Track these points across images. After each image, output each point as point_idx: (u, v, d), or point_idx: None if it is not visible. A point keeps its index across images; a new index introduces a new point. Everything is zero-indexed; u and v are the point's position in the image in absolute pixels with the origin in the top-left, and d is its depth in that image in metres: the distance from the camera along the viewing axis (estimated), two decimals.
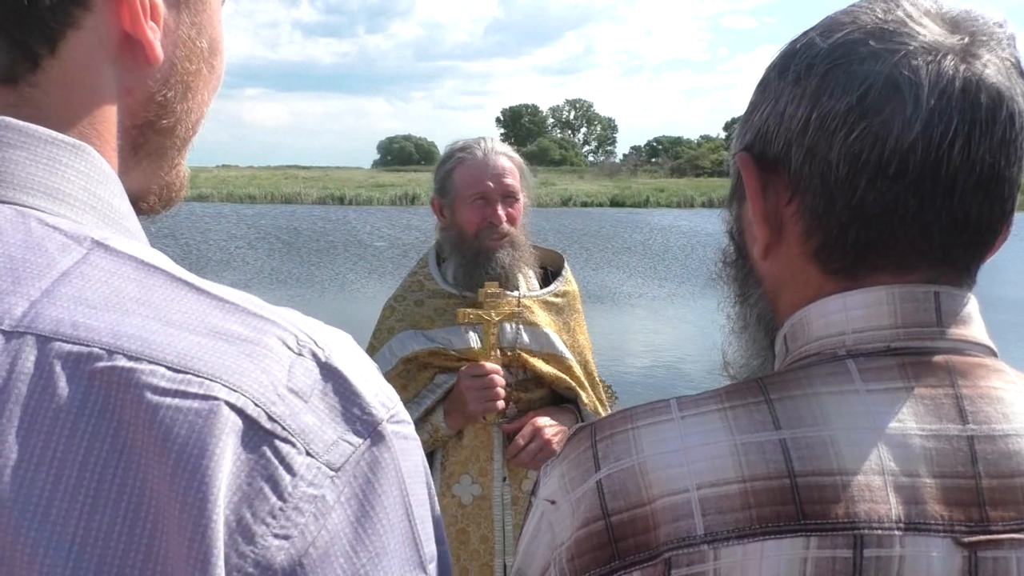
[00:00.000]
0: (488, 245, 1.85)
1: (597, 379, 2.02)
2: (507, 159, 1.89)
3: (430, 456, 1.88)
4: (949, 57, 0.56)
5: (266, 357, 0.42)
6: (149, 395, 0.38)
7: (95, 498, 0.36)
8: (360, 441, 0.43)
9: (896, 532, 0.52)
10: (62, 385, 0.37)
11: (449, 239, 1.91)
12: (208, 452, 0.37)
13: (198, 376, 0.39)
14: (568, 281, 2.02)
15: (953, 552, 0.52)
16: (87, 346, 0.38)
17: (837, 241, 0.60)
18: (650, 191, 54.07)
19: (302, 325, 0.45)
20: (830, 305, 0.61)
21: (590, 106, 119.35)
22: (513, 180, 1.87)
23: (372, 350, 1.90)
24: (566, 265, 2.03)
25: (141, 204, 0.54)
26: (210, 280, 0.46)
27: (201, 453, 0.37)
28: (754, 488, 0.54)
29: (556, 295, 1.98)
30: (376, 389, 0.45)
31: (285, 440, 0.40)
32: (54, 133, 0.44)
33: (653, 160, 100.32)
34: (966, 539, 0.53)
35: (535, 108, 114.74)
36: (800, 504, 0.53)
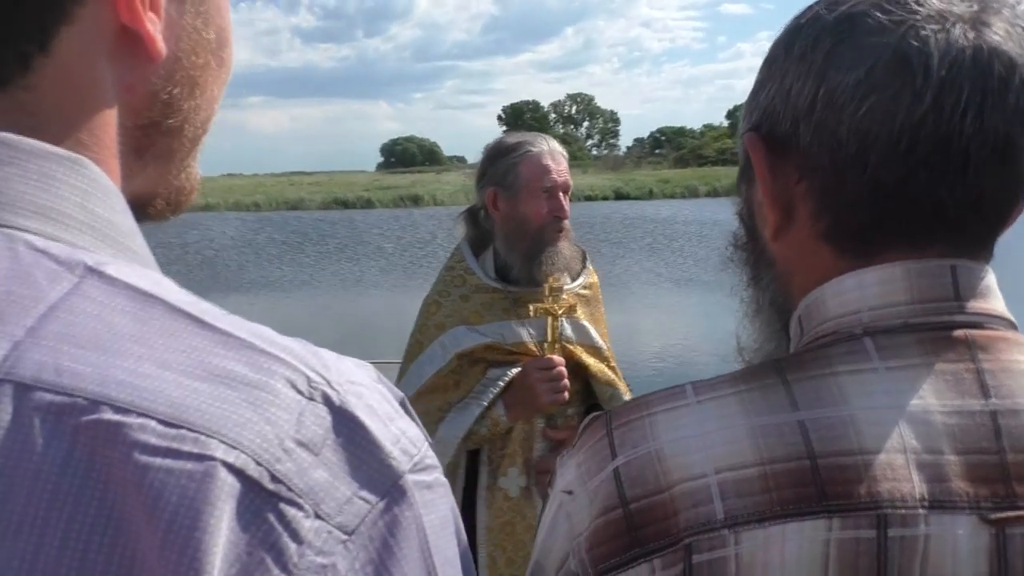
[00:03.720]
0: (551, 237, 1.89)
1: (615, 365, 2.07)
2: (562, 155, 1.94)
3: (476, 451, 1.90)
4: (958, 26, 0.55)
5: (272, 404, 0.37)
6: (137, 454, 0.34)
7: (80, 570, 0.33)
8: (376, 499, 0.38)
9: (920, 511, 0.51)
10: (42, 441, 0.34)
11: (505, 232, 1.91)
12: (201, 522, 0.33)
13: (193, 431, 0.35)
14: (592, 273, 2.07)
15: (980, 530, 0.51)
16: (70, 396, 0.34)
17: (848, 221, 0.59)
18: (654, 182, 53.96)
19: (314, 363, 0.40)
20: (845, 283, 0.60)
21: (591, 100, 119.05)
22: (568, 175, 1.93)
23: (419, 346, 1.92)
24: (588, 257, 2.07)
25: (148, 209, 0.50)
26: (220, 292, 0.42)
27: (193, 524, 0.33)
28: (774, 471, 0.53)
29: (585, 287, 2.02)
30: (398, 434, 0.41)
31: (291, 502, 0.36)
32: (46, 146, 0.40)
33: (657, 151, 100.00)
34: (993, 516, 0.52)
35: (536, 104, 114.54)
36: (821, 485, 0.52)
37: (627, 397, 2.00)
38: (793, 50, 0.60)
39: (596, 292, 2.06)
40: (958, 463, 0.53)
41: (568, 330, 1.94)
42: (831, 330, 0.60)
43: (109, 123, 0.44)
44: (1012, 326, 0.59)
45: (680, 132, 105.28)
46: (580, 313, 1.97)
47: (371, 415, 0.40)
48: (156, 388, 0.35)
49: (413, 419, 0.44)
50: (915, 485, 0.52)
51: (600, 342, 2.00)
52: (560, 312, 1.87)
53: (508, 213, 1.89)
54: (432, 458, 0.43)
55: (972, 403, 0.54)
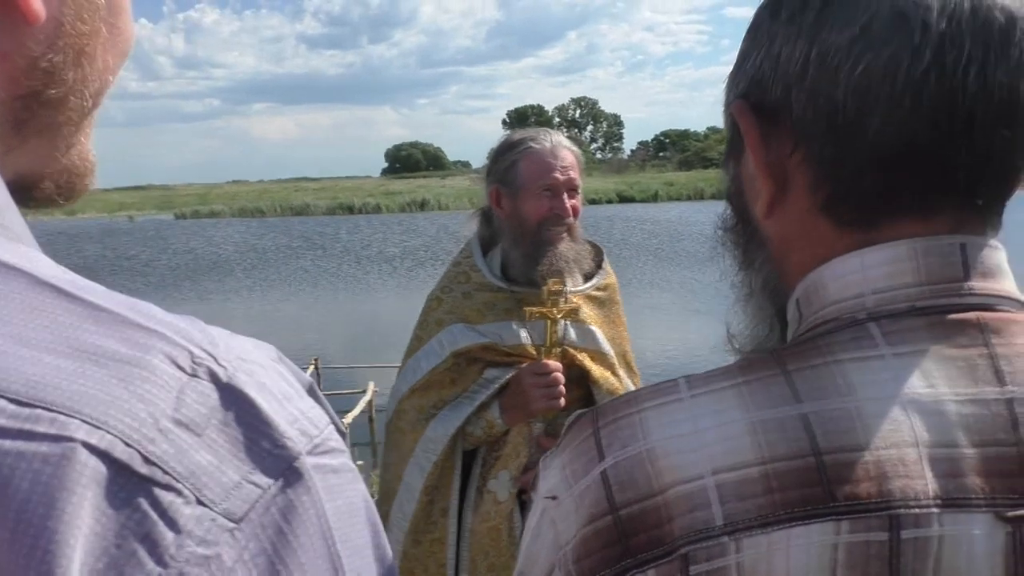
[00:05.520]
0: (550, 237, 1.81)
1: (635, 369, 1.99)
2: (570, 151, 1.85)
3: (472, 451, 1.85)
4: None
5: (147, 381, 0.33)
6: None
7: None
8: (270, 482, 0.35)
9: (934, 510, 0.47)
10: None
11: (508, 230, 1.85)
12: (56, 510, 0.29)
13: (50, 410, 0.31)
14: (608, 273, 1.98)
15: (996, 528, 0.47)
16: None
17: (850, 189, 0.54)
18: (659, 185, 54.02)
19: (199, 338, 0.36)
20: (846, 265, 0.55)
21: (595, 103, 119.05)
22: (575, 173, 1.84)
23: (419, 342, 1.87)
24: (605, 257, 1.99)
25: (35, 192, 0.45)
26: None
27: (47, 512, 0.29)
28: (776, 470, 0.48)
29: (598, 288, 1.94)
30: (296, 414, 0.37)
31: (167, 487, 0.32)
32: None
33: (661, 154, 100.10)
34: (1009, 513, 0.47)
35: (540, 108, 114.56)
36: (828, 485, 0.47)
37: None
38: (780, 13, 0.56)
39: (612, 293, 1.97)
40: (973, 456, 0.48)
41: (572, 334, 1.86)
42: (832, 315, 0.55)
43: None
44: None
45: (684, 135, 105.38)
46: (590, 316, 1.89)
47: (263, 393, 0.36)
48: (10, 365, 0.31)
49: (320, 403, 0.40)
50: (928, 482, 0.47)
51: (607, 348, 1.91)
52: (559, 316, 1.79)
53: (510, 211, 1.83)
54: (337, 441, 0.39)
55: (987, 391, 0.49)
